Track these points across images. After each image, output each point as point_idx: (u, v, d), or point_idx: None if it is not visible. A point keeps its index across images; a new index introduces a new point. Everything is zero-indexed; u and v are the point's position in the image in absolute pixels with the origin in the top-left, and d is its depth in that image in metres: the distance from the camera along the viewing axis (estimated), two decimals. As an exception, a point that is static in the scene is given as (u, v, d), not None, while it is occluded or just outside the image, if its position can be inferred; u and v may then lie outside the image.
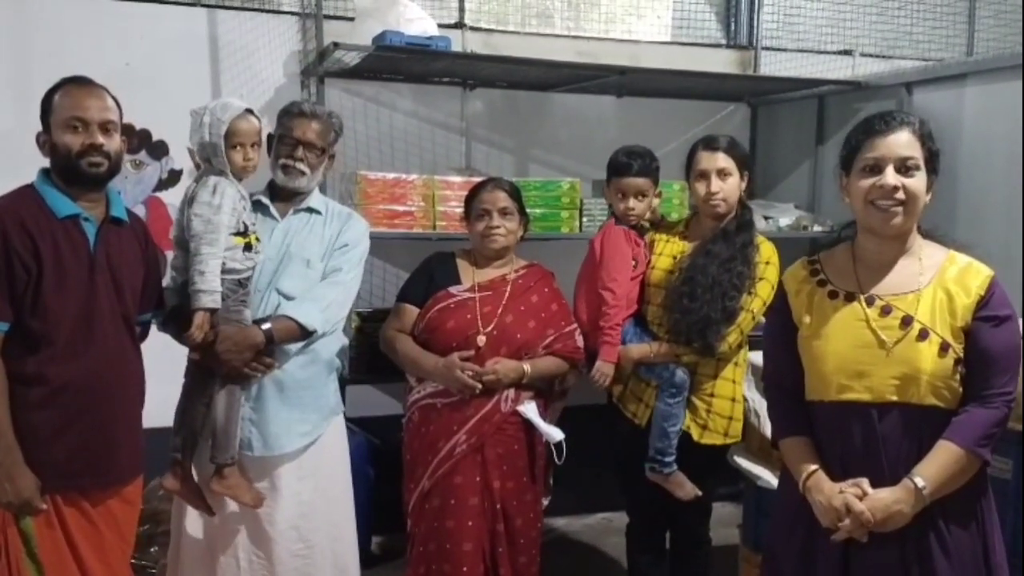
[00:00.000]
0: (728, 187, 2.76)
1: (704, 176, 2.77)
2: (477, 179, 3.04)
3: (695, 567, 3.02)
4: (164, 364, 2.43)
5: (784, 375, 2.06)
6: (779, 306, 2.09)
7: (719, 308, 2.69)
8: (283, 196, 2.62)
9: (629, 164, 2.89)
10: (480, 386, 2.62)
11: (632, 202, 2.89)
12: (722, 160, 2.76)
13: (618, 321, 2.81)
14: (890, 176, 1.84)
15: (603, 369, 2.80)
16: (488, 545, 2.66)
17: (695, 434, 2.81)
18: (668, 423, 2.77)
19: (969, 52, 4.80)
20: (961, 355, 1.86)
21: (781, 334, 2.07)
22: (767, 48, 4.50)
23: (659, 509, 2.93)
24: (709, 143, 2.80)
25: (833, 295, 1.96)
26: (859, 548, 1.88)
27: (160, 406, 2.44)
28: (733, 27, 4.55)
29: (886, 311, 1.89)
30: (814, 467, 1.94)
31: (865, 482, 1.85)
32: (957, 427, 1.84)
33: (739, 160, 2.79)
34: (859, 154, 1.90)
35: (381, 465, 3.59)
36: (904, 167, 1.85)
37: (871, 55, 4.59)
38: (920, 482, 1.81)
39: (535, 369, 2.71)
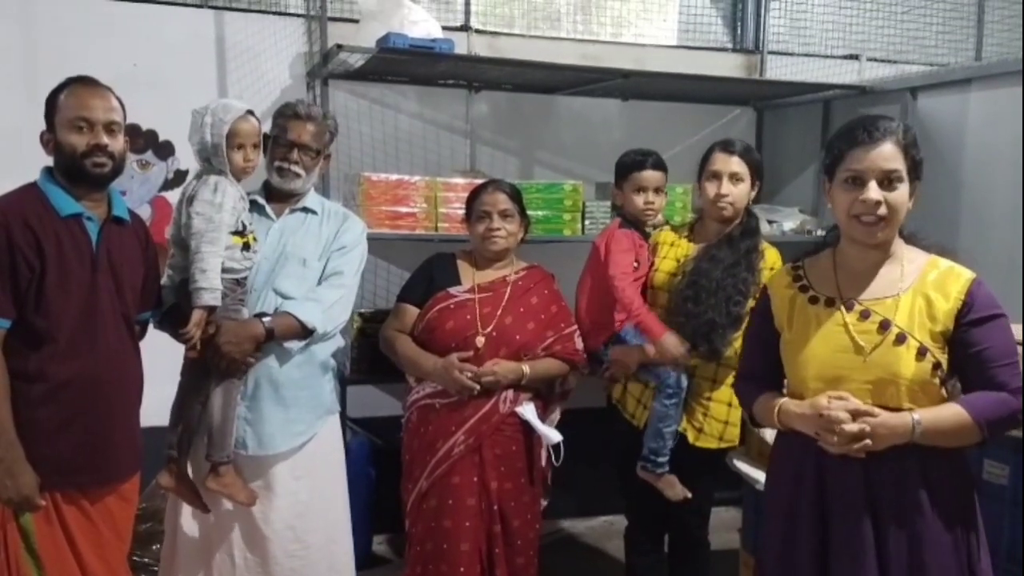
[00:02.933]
0: (738, 192, 2.77)
1: (716, 177, 2.78)
2: (480, 181, 3.04)
3: (693, 570, 3.02)
4: (162, 363, 2.44)
5: (757, 375, 2.09)
6: (762, 310, 2.10)
7: (723, 313, 2.69)
8: (278, 196, 2.63)
9: (644, 159, 2.93)
10: (478, 387, 2.63)
11: (651, 195, 2.91)
12: (736, 164, 2.77)
13: (633, 299, 2.76)
14: (872, 191, 1.83)
15: (666, 344, 2.71)
16: (485, 546, 2.67)
17: (690, 437, 2.82)
18: (663, 424, 2.78)
19: (977, 57, 4.77)
20: (940, 359, 1.86)
21: (760, 338, 2.09)
22: (773, 52, 4.50)
23: (657, 512, 2.94)
24: (726, 146, 2.81)
25: (814, 301, 1.97)
26: (837, 534, 1.87)
27: (158, 405, 2.46)
28: (739, 31, 4.56)
29: (864, 316, 1.89)
30: (785, 398, 1.96)
31: (848, 394, 1.84)
32: (972, 397, 1.84)
33: (753, 167, 2.80)
34: (841, 164, 1.89)
35: (382, 465, 3.61)
36: (887, 180, 1.84)
37: (878, 59, 4.58)
38: (916, 416, 1.80)
39: (534, 370, 2.72)
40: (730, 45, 4.57)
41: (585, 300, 2.96)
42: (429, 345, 2.73)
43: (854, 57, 4.54)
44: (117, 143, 2.21)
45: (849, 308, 1.92)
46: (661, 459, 2.78)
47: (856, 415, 1.81)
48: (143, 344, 2.41)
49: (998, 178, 3.37)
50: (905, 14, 4.70)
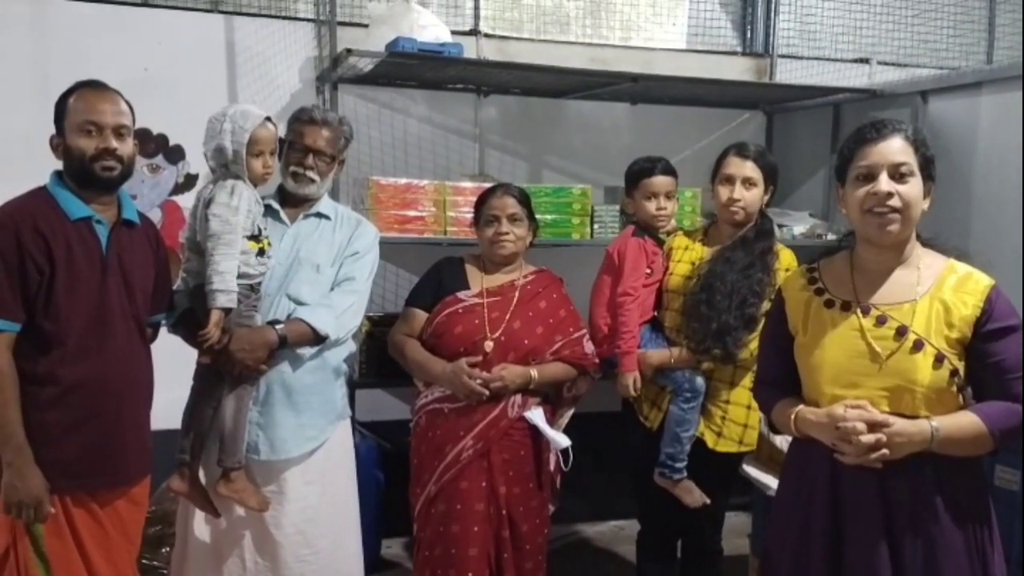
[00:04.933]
0: (750, 196, 2.77)
1: (730, 181, 2.78)
2: (488, 185, 3.04)
3: (706, 576, 3.01)
4: (173, 366, 2.44)
5: (775, 380, 2.07)
6: (776, 313, 2.09)
7: (738, 315, 2.69)
8: (292, 201, 2.63)
9: (653, 165, 2.94)
10: (487, 392, 2.62)
11: (663, 201, 2.93)
12: (750, 169, 2.77)
13: (630, 329, 2.82)
14: (884, 183, 1.83)
15: (623, 381, 2.82)
16: (494, 551, 2.66)
17: (710, 441, 2.81)
18: (681, 428, 2.77)
19: (988, 60, 4.76)
20: (957, 366, 1.84)
21: (775, 341, 2.07)
22: (783, 56, 4.49)
23: (671, 517, 2.92)
24: (741, 149, 2.82)
25: (830, 304, 1.95)
26: (851, 546, 1.86)
27: (168, 408, 2.46)
28: (749, 34, 4.55)
29: (881, 321, 1.88)
30: (801, 405, 1.94)
31: (866, 403, 1.83)
32: (985, 406, 1.83)
33: (767, 172, 2.81)
34: (852, 163, 1.89)
35: (391, 469, 3.61)
36: (898, 173, 1.84)
37: (888, 63, 4.57)
38: (935, 423, 1.79)
39: (542, 375, 2.71)
40: (739, 49, 4.56)
41: (601, 307, 2.95)
42: (438, 350, 2.73)
43: (864, 61, 4.53)
44: (126, 147, 2.22)
45: (865, 313, 1.90)
46: (679, 464, 2.77)
47: (872, 425, 1.79)
48: (154, 347, 2.41)
49: (1009, 181, 3.35)
50: (915, 17, 4.69)
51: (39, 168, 2.27)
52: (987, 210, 3.43)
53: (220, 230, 2.33)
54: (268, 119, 2.46)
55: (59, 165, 2.24)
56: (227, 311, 2.34)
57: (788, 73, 4.47)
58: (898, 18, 4.69)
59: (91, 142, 2.16)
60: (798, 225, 4.01)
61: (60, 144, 2.21)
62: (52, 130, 2.23)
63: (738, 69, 4.47)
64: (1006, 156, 3.37)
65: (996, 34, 4.77)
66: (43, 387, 2.15)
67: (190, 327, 2.41)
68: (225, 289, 2.31)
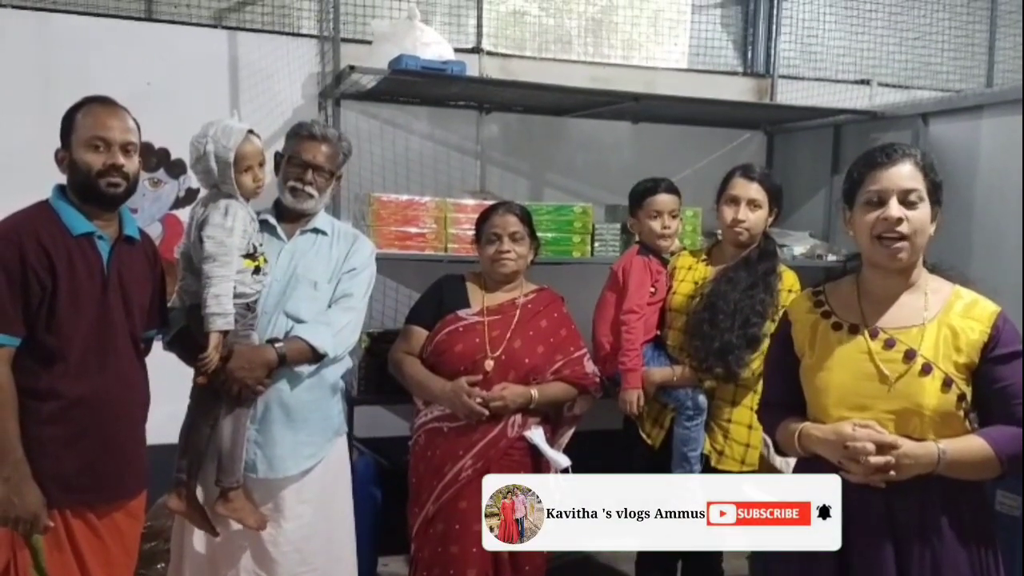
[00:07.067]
0: (755, 218, 2.79)
1: (735, 202, 2.80)
2: (490, 202, 3.05)
3: (705, 598, 3.00)
4: (167, 381, 2.43)
5: (780, 401, 2.07)
6: (782, 336, 2.08)
7: (740, 334, 2.71)
8: (289, 217, 2.62)
9: (656, 184, 2.98)
10: (487, 411, 2.61)
11: (667, 219, 2.95)
12: (755, 191, 2.79)
13: (635, 347, 2.83)
14: (894, 208, 1.83)
15: (626, 397, 2.83)
16: (493, 572, 2.64)
17: (712, 459, 2.81)
18: (688, 448, 2.78)
19: (989, 83, 4.79)
20: (965, 391, 1.84)
21: (781, 364, 2.07)
22: (784, 76, 4.52)
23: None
24: (747, 171, 2.84)
25: (837, 327, 1.95)
26: (859, 563, 1.85)
27: (165, 423, 2.45)
28: (750, 55, 4.58)
29: (889, 344, 1.88)
30: (806, 422, 1.93)
31: (874, 423, 1.82)
32: (993, 431, 1.83)
33: (772, 194, 2.83)
34: (861, 187, 1.89)
35: (388, 486, 3.58)
36: (907, 200, 1.84)
37: (889, 85, 4.60)
38: (943, 445, 1.79)
39: (543, 394, 2.70)
40: (741, 69, 4.59)
41: (605, 325, 2.96)
42: (438, 368, 2.72)
43: (865, 82, 4.55)
44: (132, 164, 2.21)
45: (874, 336, 1.90)
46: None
47: (880, 446, 1.78)
48: (150, 362, 2.40)
49: (1010, 205, 3.36)
50: (916, 39, 4.71)
51: (42, 182, 2.26)
52: (988, 234, 3.44)
53: (215, 252, 2.31)
54: (251, 131, 2.43)
55: (61, 179, 2.24)
56: (225, 333, 2.33)
57: (789, 94, 4.50)
58: (899, 40, 4.72)
59: (98, 157, 2.16)
60: (798, 245, 4.01)
61: (66, 158, 2.20)
62: (55, 144, 2.22)
63: (739, 89, 4.49)
64: (1007, 180, 3.38)
65: (996, 57, 4.79)
66: (44, 402, 2.14)
67: (186, 346, 2.41)
68: (222, 312, 2.30)
